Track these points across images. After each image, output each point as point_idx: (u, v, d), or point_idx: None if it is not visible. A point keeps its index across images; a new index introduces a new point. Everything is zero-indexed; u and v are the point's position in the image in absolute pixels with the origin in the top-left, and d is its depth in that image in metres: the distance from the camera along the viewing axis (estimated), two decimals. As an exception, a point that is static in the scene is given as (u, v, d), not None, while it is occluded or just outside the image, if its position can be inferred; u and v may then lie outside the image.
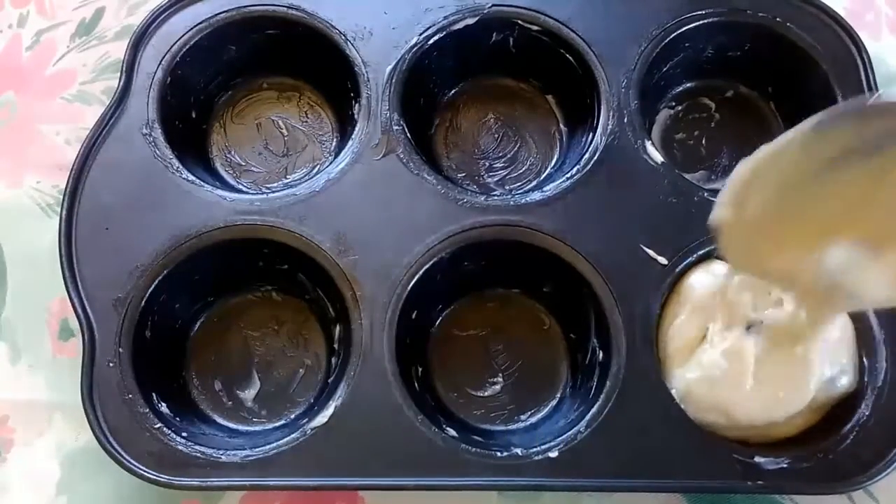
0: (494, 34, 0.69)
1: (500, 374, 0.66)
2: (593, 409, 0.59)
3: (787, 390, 0.60)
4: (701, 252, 0.63)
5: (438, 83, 0.72)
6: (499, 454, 0.58)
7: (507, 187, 0.70)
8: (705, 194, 0.64)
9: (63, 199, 0.63)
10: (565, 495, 0.63)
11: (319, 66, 0.70)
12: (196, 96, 0.70)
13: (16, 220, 0.70)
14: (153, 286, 0.61)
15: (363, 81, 0.66)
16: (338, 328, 0.65)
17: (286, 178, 0.70)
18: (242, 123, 0.72)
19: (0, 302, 0.68)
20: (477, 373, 0.66)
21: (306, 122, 0.72)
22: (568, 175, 0.65)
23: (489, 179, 0.71)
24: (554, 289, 0.66)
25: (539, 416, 0.65)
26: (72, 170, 0.63)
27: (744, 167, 0.51)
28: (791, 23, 0.68)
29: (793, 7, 0.68)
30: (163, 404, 0.61)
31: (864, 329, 0.62)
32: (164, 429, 0.59)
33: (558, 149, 0.71)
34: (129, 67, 0.66)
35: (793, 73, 0.69)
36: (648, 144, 0.65)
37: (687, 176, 0.68)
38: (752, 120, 0.72)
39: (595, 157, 0.65)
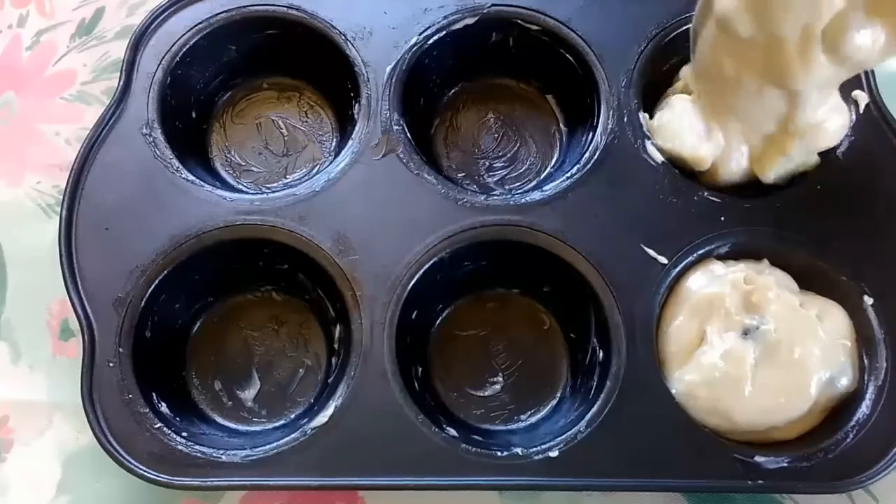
0: (494, 34, 0.69)
1: (500, 374, 0.66)
2: (593, 409, 0.59)
3: (788, 395, 0.59)
4: (700, 252, 0.63)
5: (438, 83, 0.71)
6: (499, 454, 0.58)
7: (507, 187, 0.70)
8: (705, 194, 0.64)
9: (63, 199, 0.63)
10: (565, 495, 0.63)
11: (319, 66, 0.70)
12: (196, 96, 0.70)
13: (16, 220, 0.70)
14: (153, 286, 0.61)
15: (363, 81, 0.66)
16: (338, 328, 0.65)
17: (286, 178, 0.70)
18: (242, 123, 0.72)
19: (0, 302, 0.68)
20: (477, 373, 0.66)
21: (306, 122, 0.72)
22: (568, 175, 0.65)
23: (489, 179, 0.71)
24: (554, 289, 0.66)
25: (539, 415, 0.65)
26: (72, 170, 0.63)
27: None
28: (791, 22, 0.68)
29: (793, 7, 0.68)
30: (163, 404, 0.61)
31: (864, 329, 0.62)
32: (164, 429, 0.59)
33: (558, 148, 0.71)
34: (129, 67, 0.66)
35: (793, 73, 0.69)
36: (648, 144, 0.65)
37: (687, 176, 0.68)
38: (752, 120, 0.72)
39: (595, 157, 0.65)
